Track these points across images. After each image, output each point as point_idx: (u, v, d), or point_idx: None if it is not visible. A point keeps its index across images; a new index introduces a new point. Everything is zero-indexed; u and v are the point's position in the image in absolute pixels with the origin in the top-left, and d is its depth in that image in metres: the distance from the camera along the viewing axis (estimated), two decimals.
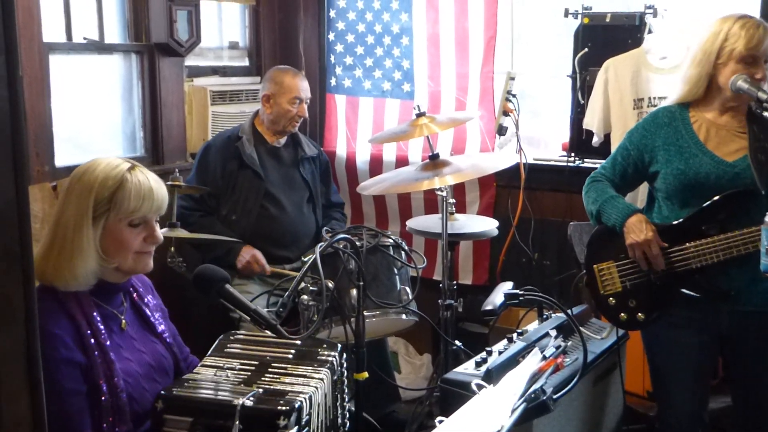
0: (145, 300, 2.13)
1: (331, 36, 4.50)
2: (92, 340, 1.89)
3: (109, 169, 1.93)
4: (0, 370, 0.90)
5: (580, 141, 3.71)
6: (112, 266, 1.95)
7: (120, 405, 1.87)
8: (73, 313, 1.89)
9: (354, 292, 2.47)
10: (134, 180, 1.92)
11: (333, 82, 4.56)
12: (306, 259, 3.02)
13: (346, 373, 1.99)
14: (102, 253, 1.92)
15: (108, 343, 1.92)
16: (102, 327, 1.93)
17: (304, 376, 1.89)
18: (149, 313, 2.11)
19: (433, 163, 3.25)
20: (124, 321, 2.01)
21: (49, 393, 1.69)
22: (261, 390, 1.80)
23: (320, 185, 3.91)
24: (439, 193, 3.18)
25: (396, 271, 2.93)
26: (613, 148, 3.49)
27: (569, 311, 2.31)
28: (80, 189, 1.93)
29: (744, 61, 2.44)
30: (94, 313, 1.93)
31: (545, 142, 4.21)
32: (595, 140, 3.58)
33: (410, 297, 2.88)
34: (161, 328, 2.13)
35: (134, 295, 2.10)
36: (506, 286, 2.21)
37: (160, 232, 2.02)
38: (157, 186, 1.97)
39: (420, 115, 3.33)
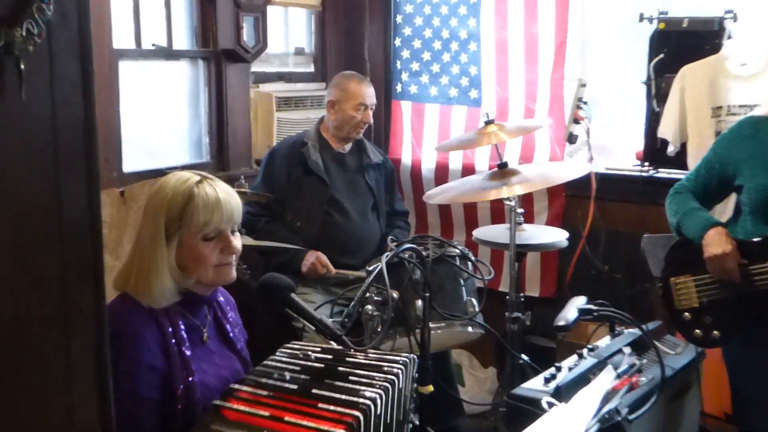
0: (228, 316, 2.14)
1: (398, 42, 4.52)
2: (176, 348, 1.91)
3: (178, 185, 1.94)
4: (71, 376, 0.91)
5: (654, 150, 3.64)
6: (193, 281, 1.96)
7: (193, 416, 1.87)
8: (161, 318, 1.92)
9: (419, 303, 2.41)
10: (202, 193, 1.92)
11: (399, 88, 4.58)
12: (371, 269, 3.02)
13: (415, 386, 1.97)
14: (181, 270, 1.94)
15: (189, 353, 1.93)
16: (186, 336, 1.95)
17: (370, 384, 1.77)
18: (230, 329, 2.12)
19: (501, 172, 3.23)
20: (206, 334, 2.02)
21: (125, 394, 1.75)
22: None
23: (384, 193, 3.92)
24: (507, 202, 3.17)
25: (462, 282, 2.89)
26: (689, 157, 3.46)
27: (646, 328, 2.24)
28: (153, 208, 1.95)
29: None
30: (180, 322, 1.95)
31: (617, 151, 4.12)
32: (671, 149, 3.52)
33: (476, 309, 2.84)
34: (240, 345, 2.13)
35: (218, 309, 2.11)
36: (579, 301, 2.16)
37: (239, 242, 2.01)
38: (226, 196, 1.96)
39: (489, 122, 3.31)
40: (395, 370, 1.77)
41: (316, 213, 3.65)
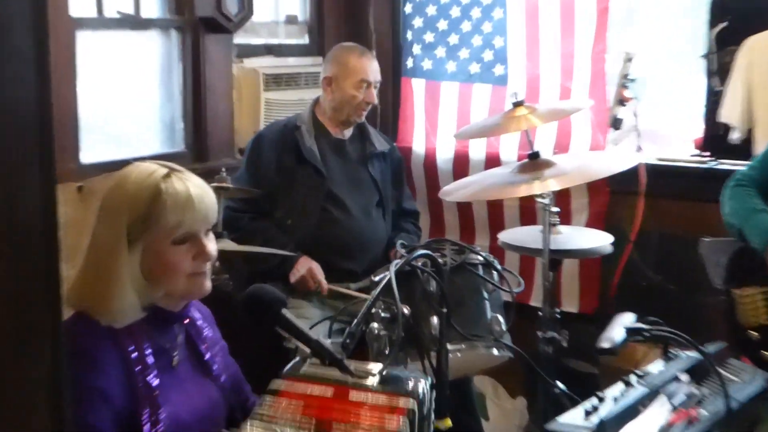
0: (204, 334, 2.15)
1: (408, 8, 4.53)
2: (140, 377, 1.90)
3: (141, 179, 1.94)
4: (24, 401, 0.90)
5: (715, 137, 3.66)
6: (161, 294, 1.97)
7: None
8: (123, 341, 1.91)
9: (435, 320, 2.43)
10: (170, 189, 1.92)
11: (410, 63, 4.57)
12: (377, 279, 3.00)
13: (433, 417, 1.98)
14: (147, 281, 1.94)
15: (156, 383, 1.92)
16: (152, 362, 1.94)
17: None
18: (205, 351, 2.12)
19: (532, 163, 3.19)
20: (176, 357, 2.03)
21: (76, 425, 1.74)
22: None
23: (392, 188, 3.97)
24: (539, 200, 3.15)
25: (486, 295, 2.87)
26: (757, 145, 3.46)
27: (707, 351, 2.24)
28: (111, 207, 1.95)
29: None
30: (146, 345, 1.94)
31: (671, 138, 4.18)
32: (735, 136, 3.53)
33: (503, 327, 2.82)
34: (216, 368, 2.14)
35: (191, 327, 2.12)
36: (627, 318, 2.15)
37: (215, 245, 2.02)
38: (199, 192, 1.96)
39: (517, 104, 3.27)
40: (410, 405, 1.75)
41: (311, 209, 3.69)
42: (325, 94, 3.79)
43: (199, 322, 2.14)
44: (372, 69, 3.79)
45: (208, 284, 2.01)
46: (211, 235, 2.01)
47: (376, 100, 3.83)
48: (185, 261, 1.95)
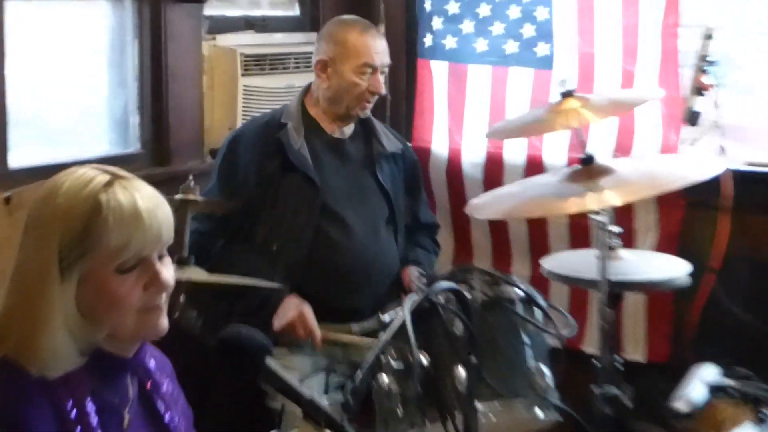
0: (162, 389, 2.13)
1: None
2: None
3: (75, 190, 1.92)
4: None
5: None
6: (104, 335, 1.94)
7: None
8: (58, 394, 1.87)
9: (461, 371, 2.35)
10: (113, 202, 1.90)
11: (428, 41, 4.58)
12: (387, 319, 3.02)
13: None
14: (86, 318, 1.91)
15: None
16: (97, 422, 1.90)
17: None
18: (164, 410, 2.10)
19: (586, 170, 3.21)
20: (127, 417, 1.99)
21: None
22: None
23: (405, 196, 3.96)
24: (594, 218, 3.16)
25: (527, 339, 2.79)
26: None
27: None
28: (39, 226, 1.93)
29: None
30: (88, 400, 1.91)
31: (762, 136, 4.16)
32: None
33: (549, 381, 2.76)
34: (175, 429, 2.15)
35: (146, 378, 2.10)
36: (708, 372, 2.14)
37: (170, 273, 1.99)
38: (149, 206, 1.93)
39: (566, 94, 3.28)
40: None
41: (302, 229, 3.67)
42: (319, 81, 3.76)
43: (156, 374, 2.12)
44: (378, 49, 3.76)
45: (163, 322, 1.98)
46: (167, 260, 1.99)
47: (384, 90, 3.81)
48: (134, 293, 1.92)
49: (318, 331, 3.56)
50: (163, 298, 1.97)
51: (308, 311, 3.57)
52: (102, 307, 1.90)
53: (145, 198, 1.93)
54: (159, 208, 1.95)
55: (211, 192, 3.69)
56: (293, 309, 3.56)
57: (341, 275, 3.69)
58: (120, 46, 3.97)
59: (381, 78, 3.77)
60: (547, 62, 4.32)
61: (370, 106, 3.80)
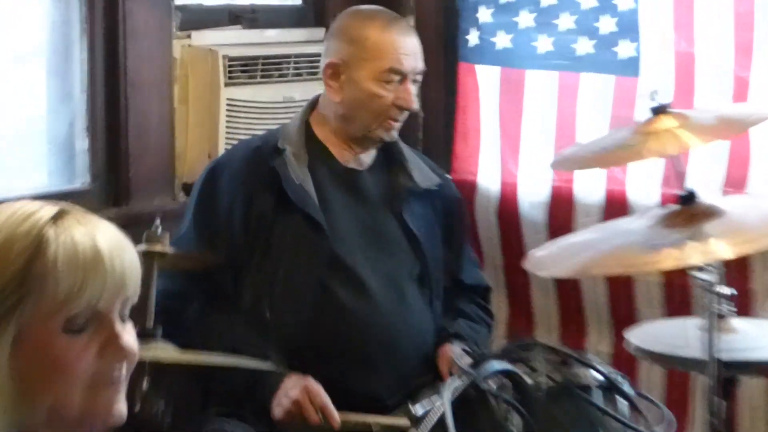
0: None
1: None
2: None
3: (12, 225, 1.87)
4: None
5: None
6: (43, 414, 1.87)
7: None
8: None
9: None
10: (63, 237, 1.84)
11: (472, 39, 4.53)
12: (420, 412, 3.01)
13: None
14: (20, 390, 1.86)
15: None
16: None
17: None
18: None
19: (686, 211, 3.15)
20: None
21: None
22: None
23: (443, 248, 3.83)
24: (697, 275, 3.10)
25: None
26: None
27: None
28: None
29: None
30: None
31: None
32: None
33: None
34: None
35: None
36: None
37: (131, 339, 1.90)
38: (113, 245, 1.86)
39: (658, 110, 3.19)
40: None
41: (303, 289, 3.61)
42: (329, 93, 3.65)
43: None
44: (408, 49, 3.66)
45: (121, 406, 1.92)
46: (130, 327, 1.91)
47: (416, 104, 3.68)
48: (84, 358, 1.87)
49: (332, 408, 3.48)
50: (123, 371, 1.91)
51: (315, 385, 3.49)
52: (41, 374, 1.87)
53: (105, 237, 1.87)
54: (123, 250, 1.87)
55: (184, 240, 3.62)
56: (296, 386, 3.50)
57: (355, 351, 3.62)
58: (64, 48, 3.91)
59: (412, 88, 3.66)
60: (631, 67, 4.26)
61: (397, 126, 3.69)
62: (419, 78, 3.70)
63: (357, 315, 3.63)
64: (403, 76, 3.63)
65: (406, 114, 3.68)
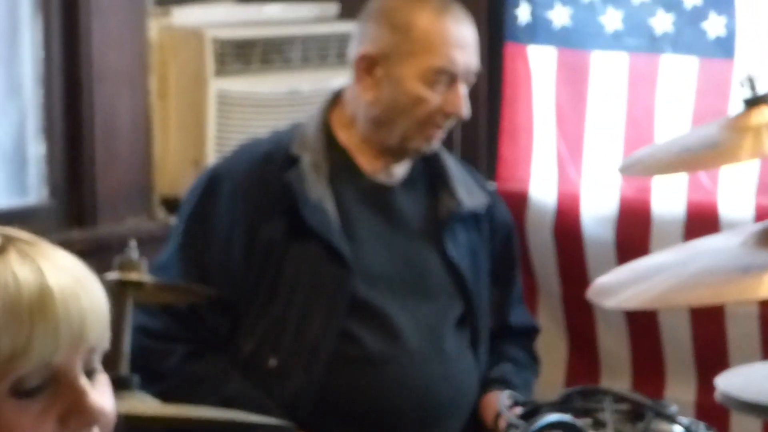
0: None
1: None
2: None
3: None
4: None
5: None
6: None
7: None
8: None
9: None
10: (3, 278, 1.66)
11: (523, 15, 4.32)
12: None
13: None
14: None
15: None
16: None
17: None
18: None
19: None
20: None
21: None
22: None
23: (491, 283, 3.68)
24: None
25: None
26: None
27: None
28: None
29: None
30: None
31: None
32: None
33: None
34: None
35: None
36: None
37: (102, 398, 1.72)
38: (67, 284, 1.65)
39: (756, 101, 3.01)
40: None
41: (319, 333, 3.47)
42: (361, 90, 3.46)
43: None
44: (464, 42, 3.47)
45: None
46: (102, 378, 1.71)
47: (467, 111, 3.45)
48: (41, 428, 1.73)
49: None
50: None
51: None
52: None
53: (58, 272, 1.67)
54: (82, 287, 1.67)
55: (166, 268, 3.48)
56: None
57: (382, 412, 3.52)
58: (11, 30, 3.83)
59: (462, 90, 3.49)
60: (723, 47, 4.10)
61: (440, 134, 3.52)
62: (473, 79, 3.56)
63: (385, 368, 3.55)
64: (455, 77, 3.50)
65: (453, 121, 3.55)
